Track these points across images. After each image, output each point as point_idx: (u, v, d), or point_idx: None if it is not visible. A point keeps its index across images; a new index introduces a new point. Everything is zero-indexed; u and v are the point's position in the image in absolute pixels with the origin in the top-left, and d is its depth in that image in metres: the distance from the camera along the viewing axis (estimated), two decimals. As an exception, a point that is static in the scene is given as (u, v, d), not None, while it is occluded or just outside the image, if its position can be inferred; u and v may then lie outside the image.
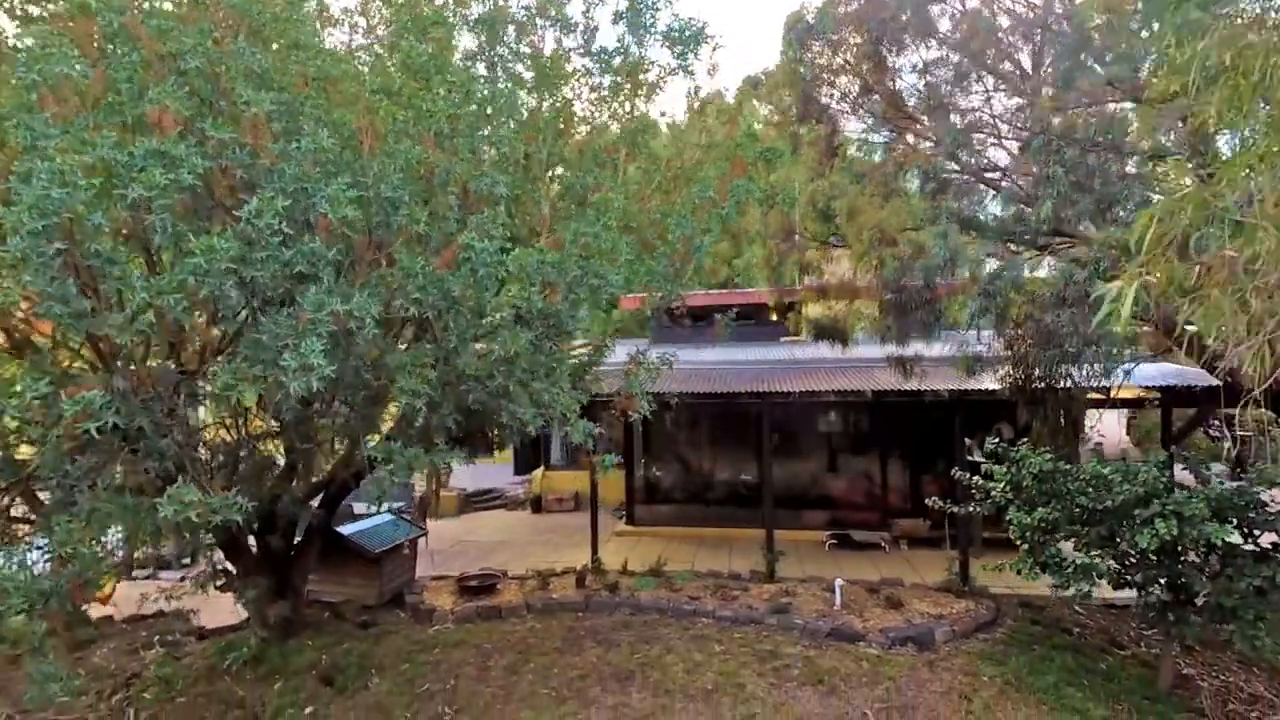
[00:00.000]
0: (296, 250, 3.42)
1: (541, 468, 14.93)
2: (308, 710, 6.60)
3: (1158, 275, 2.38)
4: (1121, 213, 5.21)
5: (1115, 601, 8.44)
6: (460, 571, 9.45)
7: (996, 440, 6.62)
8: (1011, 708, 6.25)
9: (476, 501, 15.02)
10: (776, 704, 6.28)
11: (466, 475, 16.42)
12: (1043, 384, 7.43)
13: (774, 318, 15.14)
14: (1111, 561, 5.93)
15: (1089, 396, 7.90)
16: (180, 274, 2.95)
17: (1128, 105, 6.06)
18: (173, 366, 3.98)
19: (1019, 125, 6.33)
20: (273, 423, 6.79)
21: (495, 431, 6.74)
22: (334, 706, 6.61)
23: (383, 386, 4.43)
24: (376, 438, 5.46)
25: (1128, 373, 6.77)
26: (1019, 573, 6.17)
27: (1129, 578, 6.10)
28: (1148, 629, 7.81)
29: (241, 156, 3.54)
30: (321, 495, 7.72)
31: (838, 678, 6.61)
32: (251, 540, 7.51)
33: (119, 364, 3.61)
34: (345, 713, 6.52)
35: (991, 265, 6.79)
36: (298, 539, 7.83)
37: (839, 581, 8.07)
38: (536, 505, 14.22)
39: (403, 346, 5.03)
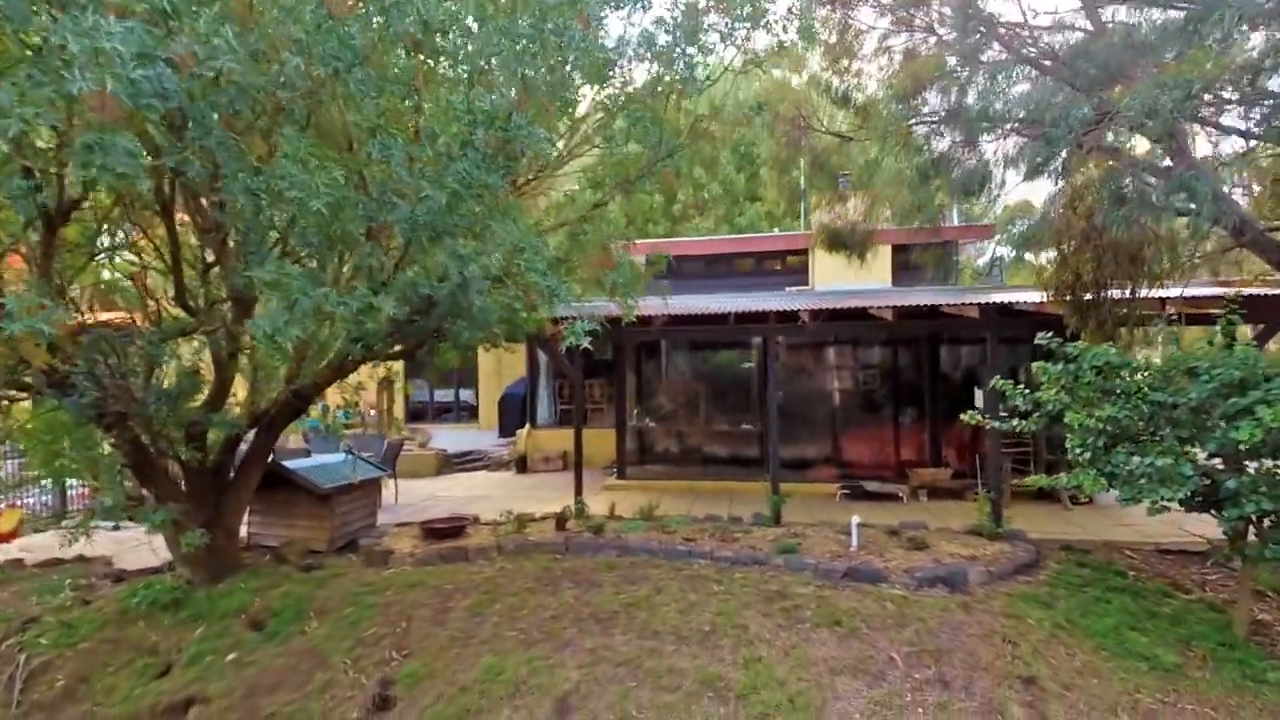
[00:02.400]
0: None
1: (527, 426, 13.89)
2: (230, 656, 5.58)
3: None
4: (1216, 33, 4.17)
5: (1168, 546, 7.48)
6: (427, 517, 8.43)
7: (1045, 342, 5.57)
8: (1065, 653, 5.24)
9: (458, 462, 14.01)
10: (786, 647, 5.25)
11: (448, 439, 15.45)
12: (1097, 288, 6.40)
13: (778, 266, 14.12)
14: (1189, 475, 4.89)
15: (1145, 312, 6.81)
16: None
17: None
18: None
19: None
20: (186, 316, 5.75)
21: (454, 325, 5.68)
22: (261, 652, 5.59)
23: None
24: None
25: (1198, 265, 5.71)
26: (1079, 486, 5.14)
27: (1203, 498, 5.08)
28: (1211, 572, 6.81)
29: None
30: (259, 424, 6.68)
31: (858, 619, 5.58)
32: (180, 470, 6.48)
33: None
34: (274, 659, 5.49)
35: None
36: (233, 473, 6.78)
37: (855, 520, 7.04)
38: (521, 465, 13.19)
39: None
